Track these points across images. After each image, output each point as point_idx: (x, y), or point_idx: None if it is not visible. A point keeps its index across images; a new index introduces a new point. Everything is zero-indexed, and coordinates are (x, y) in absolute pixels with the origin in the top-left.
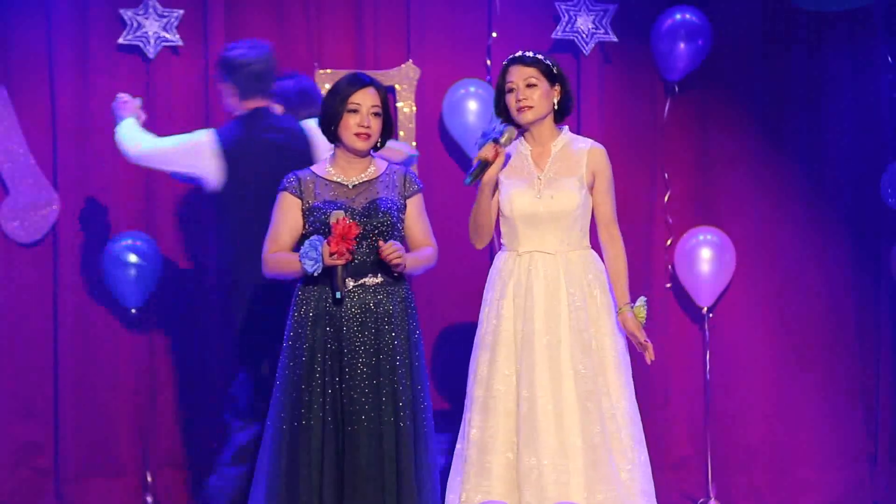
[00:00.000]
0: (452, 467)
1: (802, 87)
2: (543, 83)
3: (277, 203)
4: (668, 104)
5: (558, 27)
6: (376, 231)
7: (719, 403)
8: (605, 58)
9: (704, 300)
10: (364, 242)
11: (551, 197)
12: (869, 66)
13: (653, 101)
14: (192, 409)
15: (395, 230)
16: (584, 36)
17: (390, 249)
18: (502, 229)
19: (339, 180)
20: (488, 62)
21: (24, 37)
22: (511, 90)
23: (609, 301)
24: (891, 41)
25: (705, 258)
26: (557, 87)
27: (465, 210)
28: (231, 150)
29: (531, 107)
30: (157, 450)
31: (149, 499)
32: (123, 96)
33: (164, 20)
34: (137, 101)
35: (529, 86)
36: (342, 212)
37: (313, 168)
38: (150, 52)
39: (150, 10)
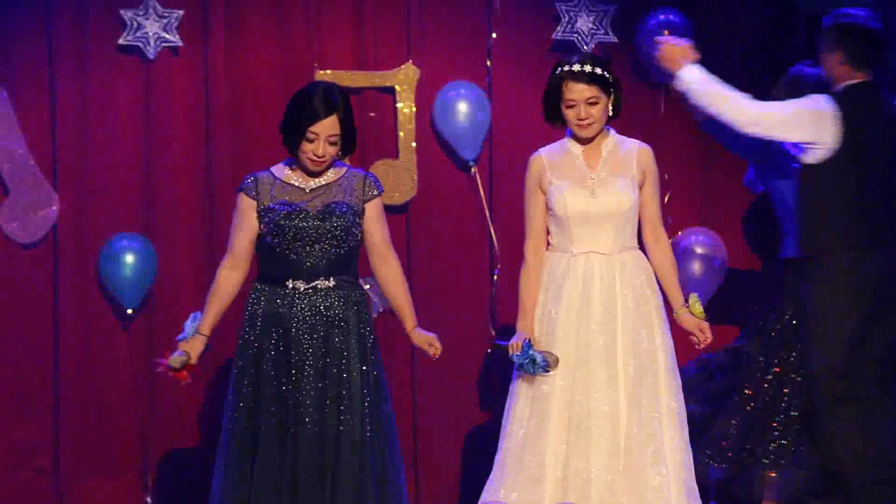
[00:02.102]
0: (494, 468)
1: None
2: (603, 98)
3: (236, 205)
4: (662, 105)
5: (558, 28)
6: (330, 234)
7: None
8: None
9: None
10: (318, 245)
11: (606, 196)
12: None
13: (652, 102)
14: (191, 410)
15: (349, 234)
16: (584, 36)
17: (432, 351)
18: (552, 230)
19: (296, 184)
20: (488, 63)
21: (24, 38)
22: (571, 106)
23: (659, 302)
24: (890, 42)
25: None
26: (612, 95)
27: (461, 211)
28: (851, 120)
29: (592, 123)
30: (157, 450)
31: (148, 499)
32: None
33: (164, 21)
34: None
35: (591, 104)
36: (186, 357)
37: (273, 169)
38: (150, 52)
39: (150, 10)
